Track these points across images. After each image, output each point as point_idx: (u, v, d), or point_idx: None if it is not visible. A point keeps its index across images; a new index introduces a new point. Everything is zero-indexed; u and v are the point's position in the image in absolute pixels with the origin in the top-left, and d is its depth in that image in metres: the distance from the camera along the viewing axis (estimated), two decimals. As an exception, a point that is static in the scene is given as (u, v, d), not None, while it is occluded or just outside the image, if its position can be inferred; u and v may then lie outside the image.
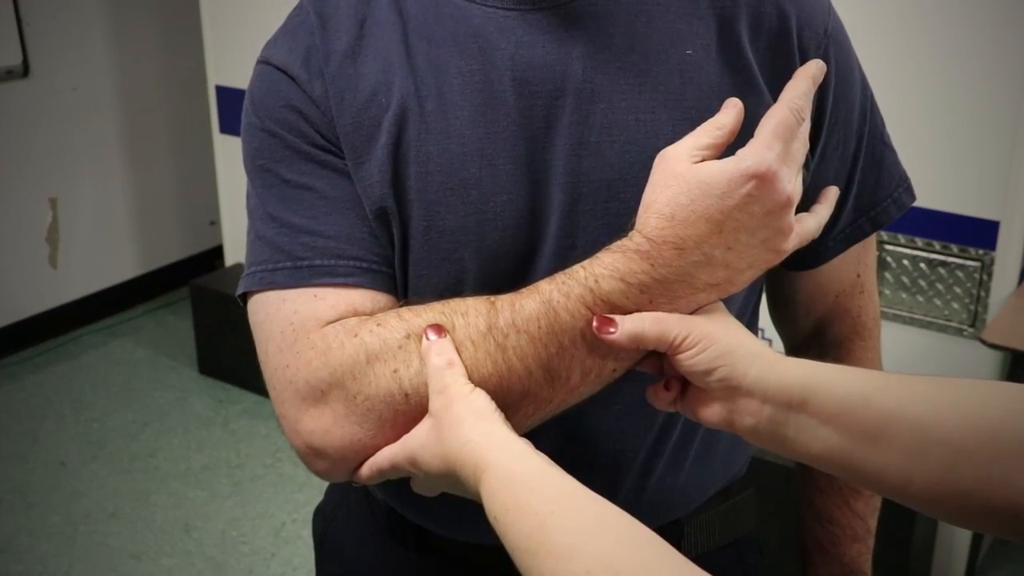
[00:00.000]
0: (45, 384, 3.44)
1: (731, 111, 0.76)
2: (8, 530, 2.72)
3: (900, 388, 0.69)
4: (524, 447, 0.70)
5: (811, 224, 0.81)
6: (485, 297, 0.77)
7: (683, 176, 0.73)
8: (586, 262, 0.76)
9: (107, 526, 2.74)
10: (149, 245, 3.99)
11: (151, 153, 3.92)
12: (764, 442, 0.75)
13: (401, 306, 0.81)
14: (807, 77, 0.79)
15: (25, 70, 3.46)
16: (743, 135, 0.76)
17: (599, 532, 0.62)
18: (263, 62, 0.86)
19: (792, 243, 0.77)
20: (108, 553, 2.64)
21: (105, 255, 3.85)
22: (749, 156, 0.73)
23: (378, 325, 0.77)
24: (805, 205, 0.83)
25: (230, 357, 3.32)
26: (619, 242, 0.75)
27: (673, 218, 0.73)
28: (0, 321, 3.55)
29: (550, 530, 0.62)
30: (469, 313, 0.76)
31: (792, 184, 0.75)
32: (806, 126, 0.78)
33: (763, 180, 0.72)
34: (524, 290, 0.77)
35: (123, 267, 3.93)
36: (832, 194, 0.87)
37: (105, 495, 2.86)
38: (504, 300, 0.76)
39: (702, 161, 0.74)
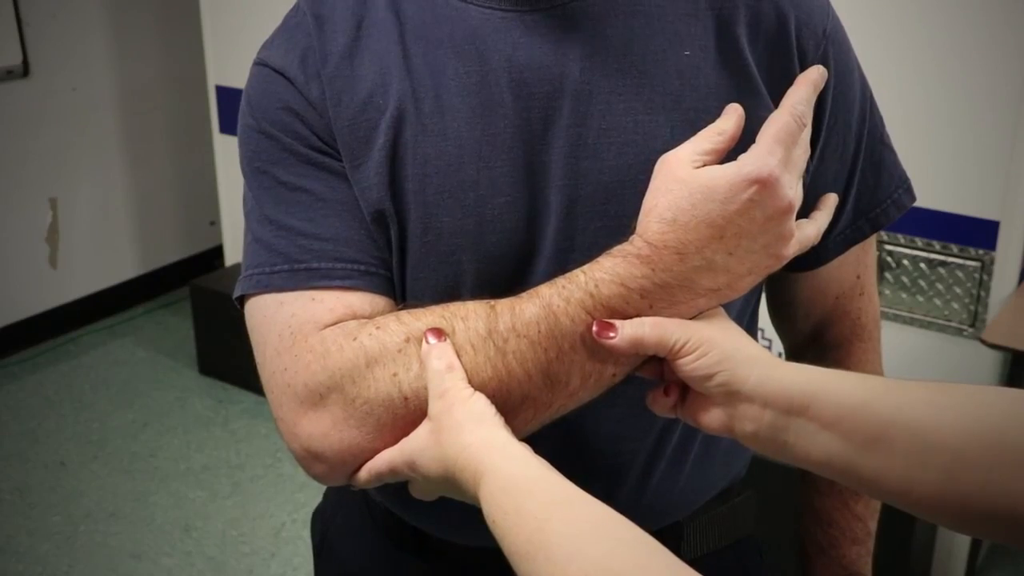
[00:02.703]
0: (45, 384, 3.43)
1: (732, 116, 0.76)
2: (8, 530, 2.72)
3: (900, 394, 0.69)
4: (523, 451, 0.70)
5: (810, 230, 0.81)
6: (485, 301, 0.77)
7: (684, 181, 0.73)
8: (587, 266, 0.75)
9: (107, 526, 2.74)
10: (149, 245, 3.99)
11: (151, 153, 3.92)
12: (764, 448, 0.75)
13: (399, 309, 0.81)
14: (809, 83, 0.79)
15: (25, 70, 3.46)
16: (743, 138, 0.75)
17: (597, 536, 0.62)
18: (260, 63, 0.86)
19: (792, 249, 0.77)
20: (108, 553, 2.64)
21: (105, 255, 3.85)
22: (751, 161, 0.73)
23: (377, 328, 0.77)
24: (804, 206, 0.82)
25: (230, 357, 3.32)
26: (620, 246, 0.75)
27: (674, 223, 0.73)
28: (0, 321, 3.55)
29: (548, 534, 0.62)
30: (469, 317, 0.76)
31: (793, 190, 0.75)
32: (807, 132, 0.77)
33: (765, 185, 0.72)
34: (524, 294, 0.76)
35: (123, 267, 3.93)
36: (831, 201, 0.86)
37: (105, 495, 2.86)
38: (504, 304, 0.76)
39: (703, 166, 0.74)
